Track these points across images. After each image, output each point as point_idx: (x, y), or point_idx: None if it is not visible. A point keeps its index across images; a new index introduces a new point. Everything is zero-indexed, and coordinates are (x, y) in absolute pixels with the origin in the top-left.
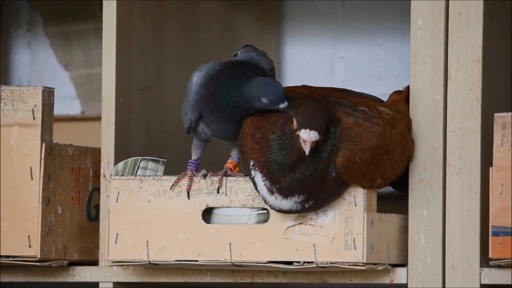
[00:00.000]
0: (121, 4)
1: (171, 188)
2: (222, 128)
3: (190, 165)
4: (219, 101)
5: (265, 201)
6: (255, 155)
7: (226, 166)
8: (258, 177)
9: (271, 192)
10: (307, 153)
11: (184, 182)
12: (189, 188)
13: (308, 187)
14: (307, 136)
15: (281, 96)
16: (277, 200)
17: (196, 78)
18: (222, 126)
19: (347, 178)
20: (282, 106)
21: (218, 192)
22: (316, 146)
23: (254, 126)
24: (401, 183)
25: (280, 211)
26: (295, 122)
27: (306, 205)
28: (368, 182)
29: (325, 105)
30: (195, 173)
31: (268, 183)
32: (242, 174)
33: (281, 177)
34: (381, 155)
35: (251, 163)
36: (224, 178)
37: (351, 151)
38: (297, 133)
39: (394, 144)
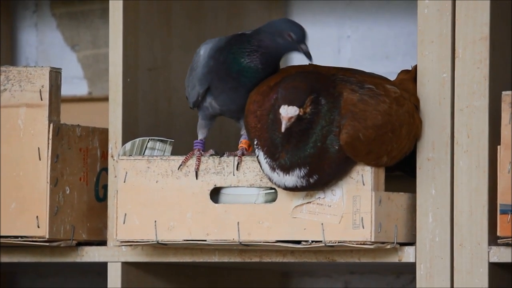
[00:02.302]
0: None
1: (178, 168)
2: (231, 99)
3: (196, 145)
4: (231, 67)
5: (270, 179)
6: (258, 133)
7: (241, 146)
8: (261, 155)
9: (273, 169)
10: (282, 129)
11: (192, 162)
12: (198, 168)
13: (307, 160)
14: (285, 112)
15: (305, 36)
16: (280, 177)
17: (204, 51)
18: (232, 96)
19: (352, 155)
20: (304, 47)
21: (237, 169)
22: (303, 119)
23: (257, 103)
24: (411, 167)
25: (286, 188)
26: (278, 98)
27: (311, 180)
28: (373, 160)
29: (328, 80)
30: (202, 152)
31: (269, 160)
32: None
33: (278, 153)
34: (386, 132)
35: (255, 142)
36: (232, 158)
37: (355, 128)
38: (279, 109)
39: (401, 122)
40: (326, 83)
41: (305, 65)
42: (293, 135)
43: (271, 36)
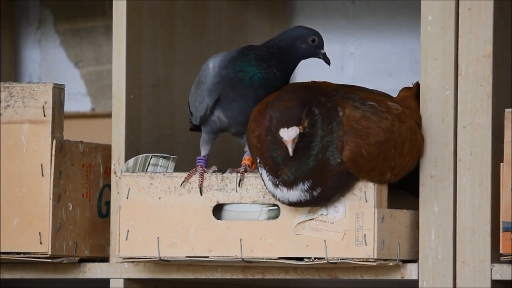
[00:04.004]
0: (131, 3)
1: (181, 184)
2: (240, 109)
3: (199, 162)
4: (245, 74)
5: (273, 196)
6: (259, 152)
7: (244, 163)
8: (264, 173)
9: (276, 185)
10: (290, 153)
11: (195, 178)
12: (201, 184)
13: (310, 173)
14: (287, 136)
15: (323, 42)
16: (283, 193)
17: (213, 63)
18: (242, 105)
19: (355, 171)
20: (323, 52)
21: (239, 186)
22: (304, 135)
23: (256, 122)
24: (414, 185)
25: (290, 204)
26: (273, 121)
27: (315, 193)
28: (376, 176)
29: (317, 90)
30: (205, 169)
31: (271, 177)
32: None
33: (280, 170)
34: (389, 149)
35: (258, 160)
36: (235, 174)
37: (358, 144)
38: (278, 132)
39: (403, 139)
40: (314, 93)
41: (307, 82)
42: (297, 151)
43: (293, 42)
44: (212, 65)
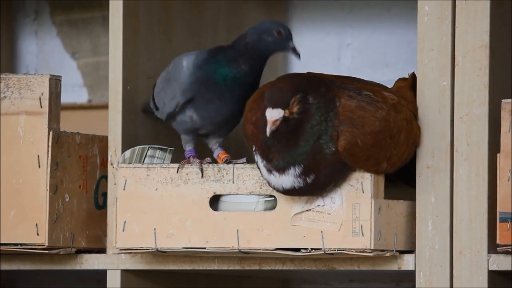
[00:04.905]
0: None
1: (177, 171)
2: (217, 109)
3: (189, 153)
4: (218, 76)
5: (268, 183)
6: (255, 137)
7: (224, 156)
8: (259, 160)
9: (269, 171)
10: (267, 133)
11: (191, 170)
12: (201, 166)
13: (300, 157)
14: (269, 116)
15: (292, 34)
16: (276, 178)
17: (187, 62)
18: (219, 105)
19: (351, 161)
20: (292, 44)
21: (227, 163)
22: (290, 120)
23: (253, 110)
24: (411, 176)
25: (284, 191)
26: (265, 101)
27: (308, 180)
28: (372, 166)
29: (319, 81)
30: (197, 159)
31: (265, 163)
32: (245, 159)
33: (271, 154)
34: (385, 138)
35: (254, 148)
36: (232, 166)
37: (353, 134)
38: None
39: (399, 128)
40: (316, 82)
41: (303, 73)
42: (283, 135)
43: (258, 36)
44: (186, 64)
